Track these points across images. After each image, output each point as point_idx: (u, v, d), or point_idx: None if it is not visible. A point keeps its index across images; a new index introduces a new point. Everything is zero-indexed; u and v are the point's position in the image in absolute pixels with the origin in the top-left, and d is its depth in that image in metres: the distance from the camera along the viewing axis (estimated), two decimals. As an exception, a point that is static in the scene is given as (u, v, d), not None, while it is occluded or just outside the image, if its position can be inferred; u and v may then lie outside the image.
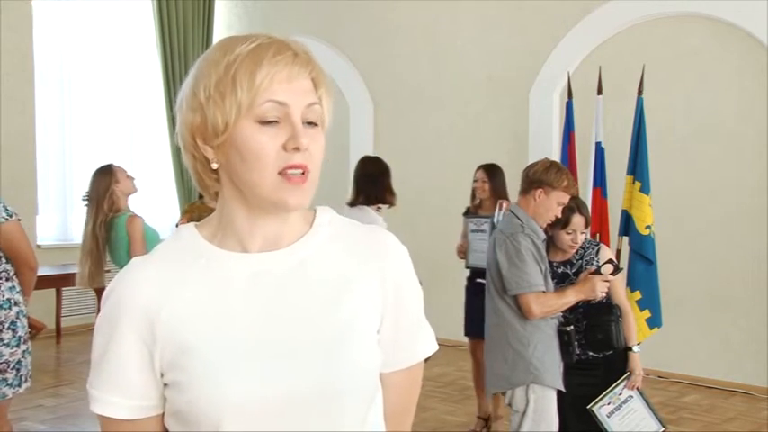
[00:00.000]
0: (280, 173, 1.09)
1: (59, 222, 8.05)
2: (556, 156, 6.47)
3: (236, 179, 1.12)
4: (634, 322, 3.76)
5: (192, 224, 1.20)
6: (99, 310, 1.11)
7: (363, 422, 1.17)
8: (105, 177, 4.46)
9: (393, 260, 1.23)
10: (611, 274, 3.44)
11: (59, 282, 7.45)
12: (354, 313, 1.17)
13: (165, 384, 1.12)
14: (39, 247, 7.70)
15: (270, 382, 1.09)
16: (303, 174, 1.10)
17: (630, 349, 3.60)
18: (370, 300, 1.19)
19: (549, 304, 3.32)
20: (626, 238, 5.38)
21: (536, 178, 3.41)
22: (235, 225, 1.16)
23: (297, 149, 1.09)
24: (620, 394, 3.59)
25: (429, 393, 5.58)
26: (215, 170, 1.14)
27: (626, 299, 3.85)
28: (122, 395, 1.12)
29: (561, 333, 3.42)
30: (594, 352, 3.52)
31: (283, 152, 1.09)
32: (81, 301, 7.87)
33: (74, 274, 7.37)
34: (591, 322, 3.49)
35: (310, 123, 1.12)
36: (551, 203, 3.40)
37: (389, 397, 1.22)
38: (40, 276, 7.10)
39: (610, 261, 3.49)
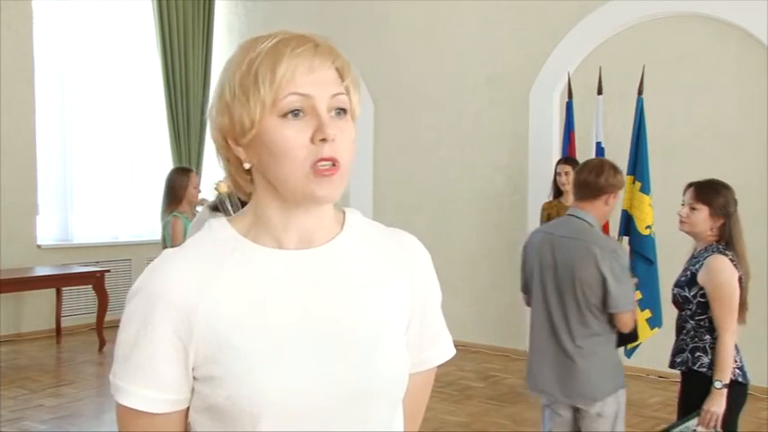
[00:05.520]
0: (311, 166, 1.09)
1: (59, 222, 8.05)
2: (556, 155, 6.47)
3: (269, 175, 1.12)
4: (725, 353, 3.29)
5: (223, 218, 1.19)
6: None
7: (391, 422, 1.18)
8: (183, 176, 5.05)
9: (420, 263, 1.25)
10: None
11: (59, 282, 7.46)
12: (386, 315, 1.18)
13: (195, 378, 1.11)
14: (39, 247, 7.71)
15: (308, 381, 1.09)
16: (334, 165, 1.09)
17: (713, 383, 3.26)
18: (401, 302, 1.20)
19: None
20: (626, 238, 5.39)
21: (609, 183, 3.35)
22: (270, 221, 1.15)
23: (324, 141, 1.08)
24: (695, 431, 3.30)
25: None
26: (248, 170, 1.15)
27: (721, 322, 3.39)
28: (154, 388, 1.10)
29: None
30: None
31: (312, 145, 1.09)
32: (81, 301, 7.87)
33: (74, 274, 7.43)
34: None
35: (338, 112, 1.11)
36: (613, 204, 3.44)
37: (405, 398, 1.22)
38: (40, 276, 7.20)
39: None
